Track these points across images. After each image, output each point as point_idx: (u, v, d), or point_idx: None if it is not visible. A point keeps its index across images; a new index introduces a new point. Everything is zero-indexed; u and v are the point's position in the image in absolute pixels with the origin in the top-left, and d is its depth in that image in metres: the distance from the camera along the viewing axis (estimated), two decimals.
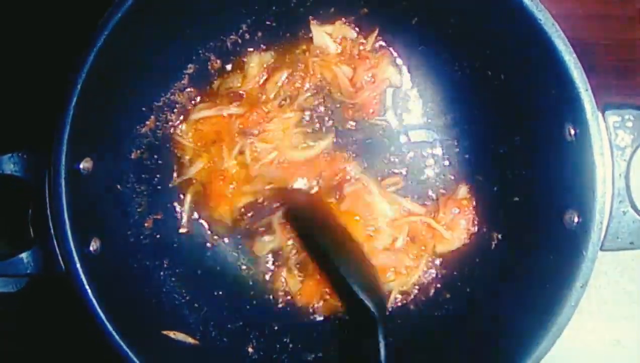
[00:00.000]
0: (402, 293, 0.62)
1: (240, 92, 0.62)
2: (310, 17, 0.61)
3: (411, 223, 0.62)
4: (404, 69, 0.63)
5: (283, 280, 0.63)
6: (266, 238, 0.62)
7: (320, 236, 0.56)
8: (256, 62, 0.61)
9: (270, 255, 0.63)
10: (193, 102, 0.61)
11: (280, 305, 0.63)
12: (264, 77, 0.62)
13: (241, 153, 0.61)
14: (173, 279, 0.60)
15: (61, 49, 0.51)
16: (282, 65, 0.62)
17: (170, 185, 0.62)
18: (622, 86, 0.65)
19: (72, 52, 0.47)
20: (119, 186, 0.57)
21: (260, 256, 0.63)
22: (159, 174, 0.61)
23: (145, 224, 0.59)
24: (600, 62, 0.65)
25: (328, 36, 0.61)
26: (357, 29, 0.62)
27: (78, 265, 0.48)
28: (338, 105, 0.63)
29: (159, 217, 0.61)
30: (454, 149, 0.63)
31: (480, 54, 0.56)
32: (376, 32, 0.61)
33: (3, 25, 0.65)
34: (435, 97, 0.63)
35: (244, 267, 0.64)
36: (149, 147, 0.59)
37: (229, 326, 0.60)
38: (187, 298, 0.60)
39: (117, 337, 0.48)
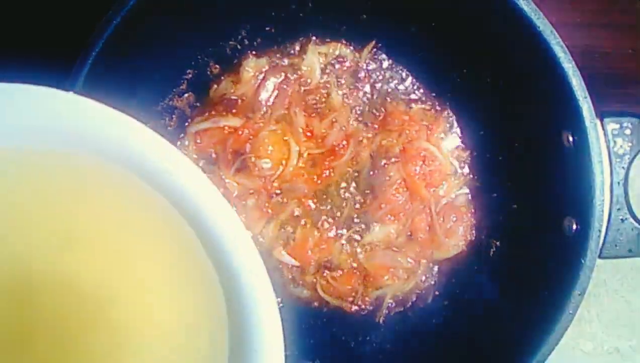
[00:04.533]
0: (399, 300, 0.62)
1: (234, 97, 0.62)
2: (311, 33, 0.61)
3: (417, 213, 0.62)
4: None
5: None
6: None
7: None
8: (252, 66, 0.61)
9: None
10: (191, 108, 0.61)
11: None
12: (259, 82, 0.62)
13: (238, 170, 0.61)
14: None
15: (57, 51, 0.50)
16: (277, 69, 0.62)
17: None
18: (621, 93, 0.65)
19: (70, 54, 0.47)
20: None
21: None
22: None
23: None
24: (599, 70, 0.65)
25: (319, 62, 0.62)
26: (351, 47, 0.62)
27: None
28: None
29: None
30: None
31: (479, 61, 0.56)
32: (372, 44, 0.62)
33: None
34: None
35: None
36: None
37: None
38: None
39: None
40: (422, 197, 0.61)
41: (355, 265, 0.61)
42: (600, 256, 0.49)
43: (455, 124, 0.62)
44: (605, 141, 0.50)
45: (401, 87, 0.63)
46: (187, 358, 0.36)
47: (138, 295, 0.36)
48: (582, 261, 0.48)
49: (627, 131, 0.51)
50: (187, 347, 0.36)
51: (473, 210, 0.62)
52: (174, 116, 0.61)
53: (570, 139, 0.50)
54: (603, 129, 0.50)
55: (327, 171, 0.61)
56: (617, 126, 0.50)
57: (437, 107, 0.62)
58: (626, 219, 0.50)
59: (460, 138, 0.62)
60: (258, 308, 0.34)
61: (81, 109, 0.33)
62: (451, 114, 0.62)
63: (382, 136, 0.62)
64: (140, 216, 0.36)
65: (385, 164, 0.61)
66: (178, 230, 0.34)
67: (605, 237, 0.49)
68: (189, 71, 0.60)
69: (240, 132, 0.61)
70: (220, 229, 0.33)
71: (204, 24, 0.56)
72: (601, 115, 0.50)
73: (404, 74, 0.63)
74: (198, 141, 0.62)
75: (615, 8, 0.64)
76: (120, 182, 0.34)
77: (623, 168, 0.50)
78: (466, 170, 0.62)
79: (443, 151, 0.62)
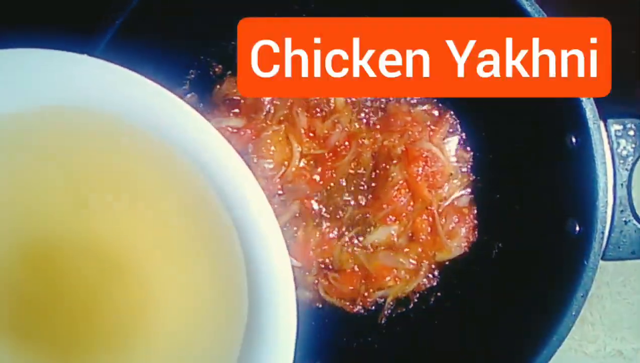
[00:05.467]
0: (402, 301, 0.62)
1: (236, 98, 0.62)
2: None
3: (419, 214, 0.61)
4: None
5: None
6: None
7: None
8: None
9: None
10: (194, 108, 0.61)
11: None
12: None
13: None
14: None
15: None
16: None
17: None
18: (624, 94, 0.65)
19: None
20: None
21: None
22: None
23: None
24: None
25: None
26: None
27: None
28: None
29: None
30: None
31: None
32: None
33: None
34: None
35: None
36: None
37: None
38: None
39: None
40: (424, 198, 0.61)
41: (357, 266, 0.61)
42: (603, 258, 0.49)
43: (458, 125, 0.62)
44: (608, 142, 0.50)
45: None
46: (203, 325, 0.36)
47: (156, 258, 0.37)
48: (585, 262, 0.48)
49: (631, 132, 0.50)
50: (203, 313, 0.37)
51: (475, 211, 0.62)
52: None
53: (573, 140, 0.50)
54: (606, 130, 0.50)
55: (329, 172, 0.61)
56: (621, 127, 0.50)
57: (440, 108, 0.62)
58: (629, 221, 0.50)
59: (462, 139, 0.62)
60: (277, 282, 0.34)
61: (101, 71, 0.34)
62: (454, 115, 0.62)
63: (384, 137, 0.61)
64: (161, 180, 0.37)
65: (387, 165, 0.61)
66: (201, 196, 0.34)
67: (608, 239, 0.49)
68: (191, 71, 0.60)
69: (242, 133, 0.61)
70: (243, 196, 0.33)
71: (207, 24, 0.56)
72: (604, 116, 0.50)
73: None
74: None
75: (618, 8, 0.64)
76: (141, 145, 0.35)
77: (626, 169, 0.50)
78: (468, 171, 0.62)
79: (445, 152, 0.62)
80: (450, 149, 0.62)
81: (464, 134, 0.62)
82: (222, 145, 0.34)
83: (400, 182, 0.61)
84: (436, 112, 0.62)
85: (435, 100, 0.62)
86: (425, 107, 0.62)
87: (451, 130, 0.62)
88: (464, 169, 0.62)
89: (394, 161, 0.61)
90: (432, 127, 0.62)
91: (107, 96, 0.33)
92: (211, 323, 0.36)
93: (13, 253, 0.35)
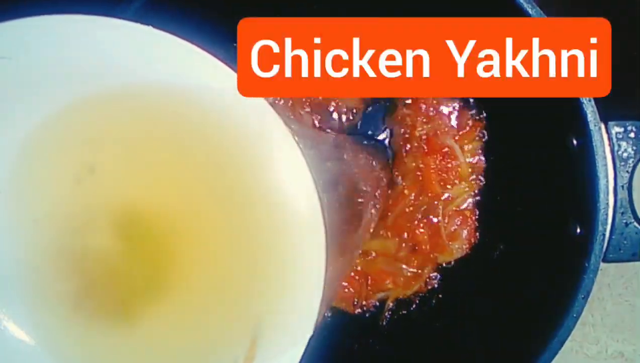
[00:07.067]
0: (403, 303, 0.62)
1: None
2: None
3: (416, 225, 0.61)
4: None
5: None
6: None
7: None
8: None
9: None
10: None
11: None
12: None
13: None
14: None
15: None
16: None
17: None
18: (625, 97, 0.65)
19: None
20: None
21: None
22: None
23: None
24: None
25: None
26: None
27: None
28: None
29: None
30: None
31: None
32: None
33: None
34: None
35: None
36: None
37: None
38: None
39: None
40: (432, 191, 0.60)
41: (358, 268, 0.61)
42: (604, 260, 0.49)
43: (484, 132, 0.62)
44: (609, 144, 0.50)
45: None
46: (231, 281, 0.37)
47: (195, 224, 0.37)
48: (586, 264, 0.48)
49: (631, 135, 0.50)
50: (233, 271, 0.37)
51: (477, 213, 0.62)
52: None
53: (574, 142, 0.50)
54: (607, 132, 0.50)
55: None
56: (621, 129, 0.50)
57: (471, 111, 0.62)
58: (630, 223, 0.50)
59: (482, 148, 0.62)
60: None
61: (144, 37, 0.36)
62: (484, 119, 0.62)
63: (412, 117, 0.61)
64: (199, 148, 0.37)
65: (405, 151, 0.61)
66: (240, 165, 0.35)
67: (609, 241, 0.49)
68: None
69: None
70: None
71: (208, 25, 0.56)
72: (605, 118, 0.50)
73: None
74: None
75: (618, 8, 0.64)
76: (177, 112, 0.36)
77: (627, 171, 0.50)
78: (478, 179, 0.62)
79: (465, 154, 0.61)
80: (470, 153, 0.62)
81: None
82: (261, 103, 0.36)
83: (405, 189, 0.60)
84: (468, 114, 0.62)
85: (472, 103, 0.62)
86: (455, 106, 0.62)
87: (477, 137, 0.62)
88: (475, 177, 0.62)
89: (409, 147, 0.61)
90: (455, 126, 0.61)
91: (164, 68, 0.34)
92: (241, 281, 0.36)
93: (101, 218, 0.35)
